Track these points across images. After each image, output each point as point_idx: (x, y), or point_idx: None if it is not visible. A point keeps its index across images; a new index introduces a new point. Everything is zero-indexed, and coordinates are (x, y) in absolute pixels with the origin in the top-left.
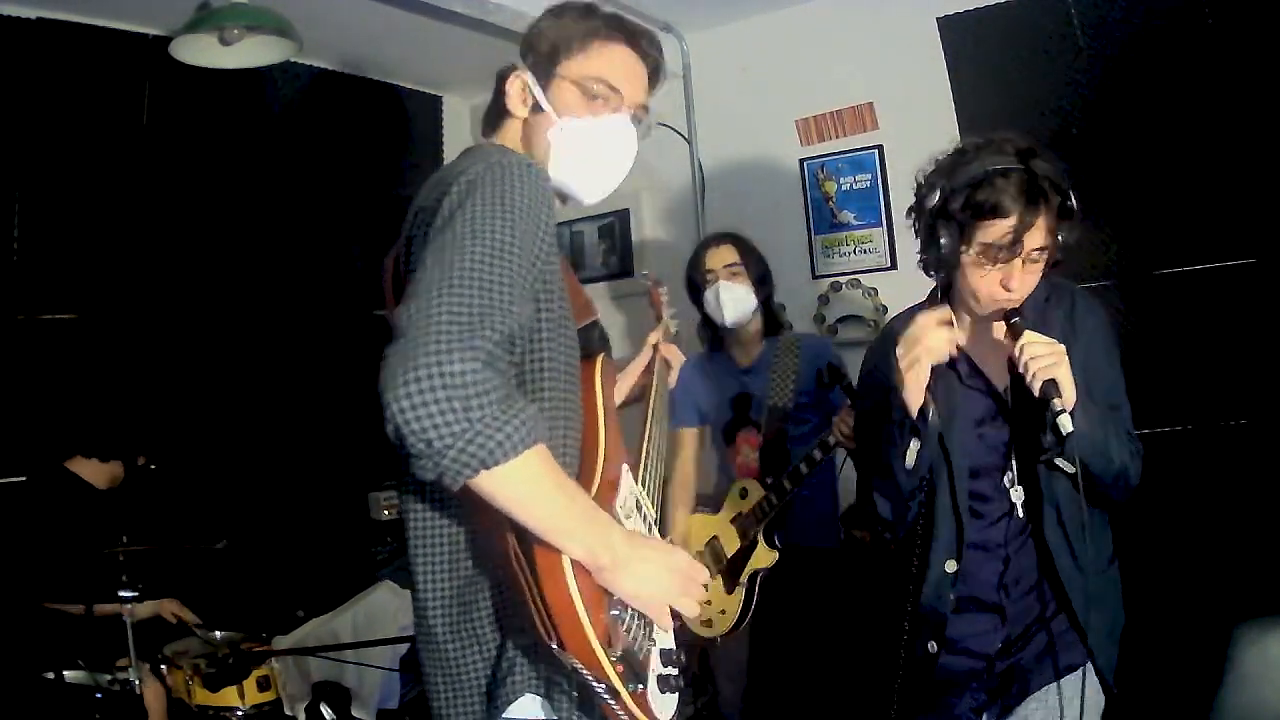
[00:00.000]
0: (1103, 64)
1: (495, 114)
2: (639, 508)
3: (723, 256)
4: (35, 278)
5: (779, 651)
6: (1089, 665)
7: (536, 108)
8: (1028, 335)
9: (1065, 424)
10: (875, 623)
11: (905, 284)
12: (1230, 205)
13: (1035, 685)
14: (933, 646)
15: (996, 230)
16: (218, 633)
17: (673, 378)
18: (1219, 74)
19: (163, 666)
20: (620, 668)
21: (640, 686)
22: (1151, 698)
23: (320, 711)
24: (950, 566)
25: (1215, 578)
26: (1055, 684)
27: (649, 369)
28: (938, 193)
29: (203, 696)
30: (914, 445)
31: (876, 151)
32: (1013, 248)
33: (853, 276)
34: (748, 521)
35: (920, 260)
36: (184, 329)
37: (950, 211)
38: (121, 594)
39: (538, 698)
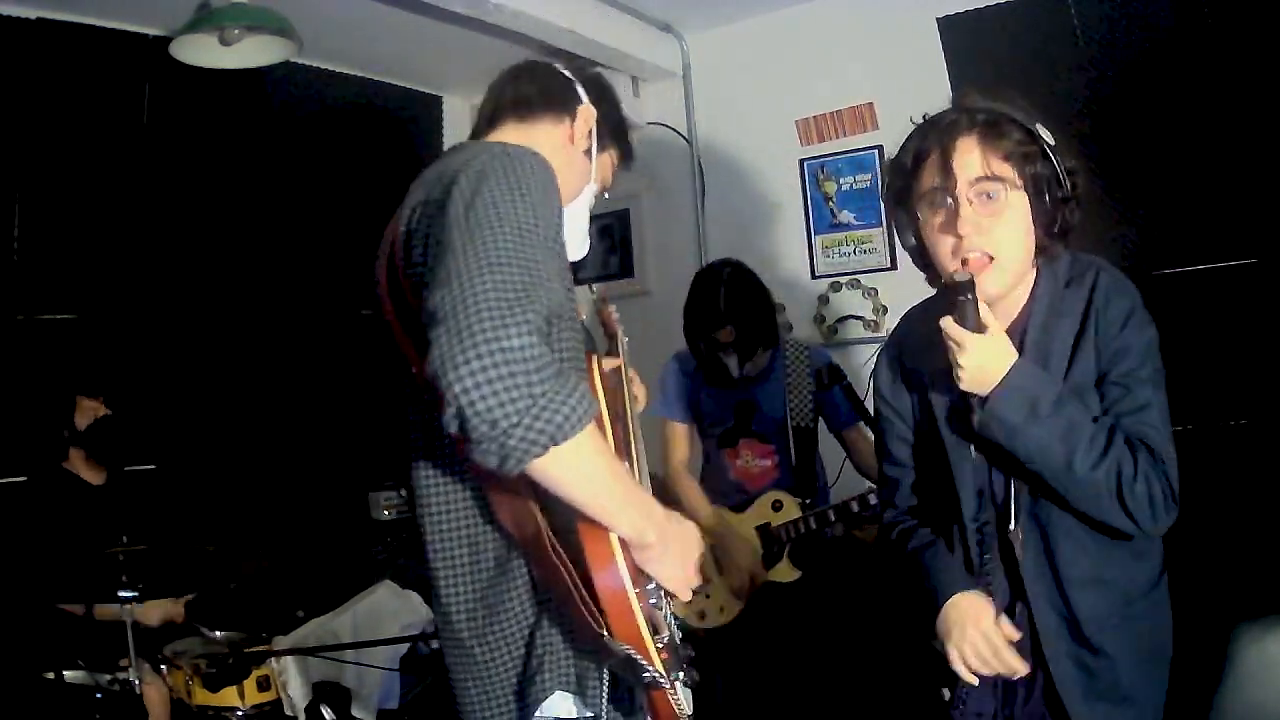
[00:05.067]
0: (1103, 64)
1: (537, 105)
2: None
3: (727, 334)
4: (35, 278)
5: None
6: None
7: (586, 151)
8: (944, 321)
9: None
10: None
11: (905, 284)
12: (1230, 205)
13: None
14: (945, 694)
15: (928, 172)
16: (218, 633)
17: (640, 405)
18: (1219, 74)
19: (162, 667)
20: (665, 655)
21: (678, 675)
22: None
23: (320, 711)
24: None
25: (1215, 578)
26: None
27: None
28: (886, 187)
29: (203, 696)
30: None
31: (876, 151)
32: (946, 181)
33: (853, 276)
34: (775, 534)
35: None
36: (184, 329)
37: (894, 189)
38: (121, 594)
39: (568, 694)
